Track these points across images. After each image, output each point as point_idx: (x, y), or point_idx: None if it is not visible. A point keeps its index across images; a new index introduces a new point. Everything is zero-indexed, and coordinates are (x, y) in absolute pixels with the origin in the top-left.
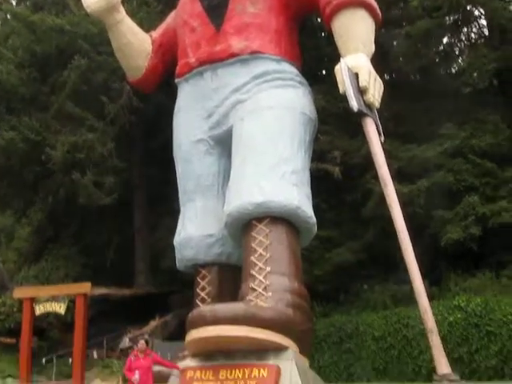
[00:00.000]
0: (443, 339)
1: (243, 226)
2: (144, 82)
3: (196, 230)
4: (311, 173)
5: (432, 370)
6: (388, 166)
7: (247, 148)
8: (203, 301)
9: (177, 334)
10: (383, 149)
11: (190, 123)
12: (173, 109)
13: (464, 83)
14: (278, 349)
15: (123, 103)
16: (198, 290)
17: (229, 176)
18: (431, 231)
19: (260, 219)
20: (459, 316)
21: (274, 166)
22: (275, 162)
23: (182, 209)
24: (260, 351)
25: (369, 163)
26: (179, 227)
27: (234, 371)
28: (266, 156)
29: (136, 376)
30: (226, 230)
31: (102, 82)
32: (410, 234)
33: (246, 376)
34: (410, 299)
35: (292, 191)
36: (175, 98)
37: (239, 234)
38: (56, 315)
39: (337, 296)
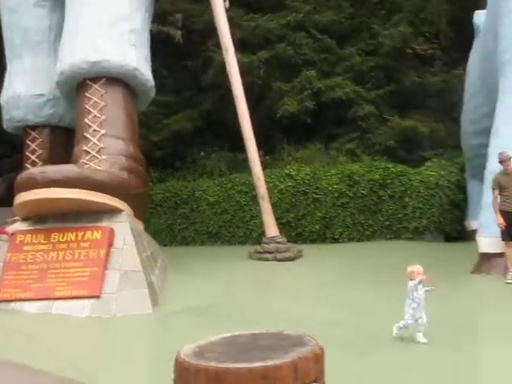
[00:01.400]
0: (273, 205)
1: (77, 85)
2: None
3: (25, 88)
4: (151, 35)
5: (261, 234)
6: (231, 33)
7: (82, 2)
8: (34, 164)
9: (6, 199)
10: (227, 16)
11: None
12: None
13: None
14: (112, 211)
15: None
16: (27, 153)
17: (61, 32)
18: (268, 102)
19: (95, 79)
20: (289, 184)
21: (112, 23)
22: (113, 19)
23: (8, 65)
24: (93, 214)
25: (211, 29)
26: (6, 85)
27: (66, 234)
28: (103, 12)
29: None
30: (59, 89)
31: None
32: (248, 104)
33: (79, 238)
34: (245, 167)
35: (130, 51)
36: None
37: (73, 94)
38: None
39: (173, 162)
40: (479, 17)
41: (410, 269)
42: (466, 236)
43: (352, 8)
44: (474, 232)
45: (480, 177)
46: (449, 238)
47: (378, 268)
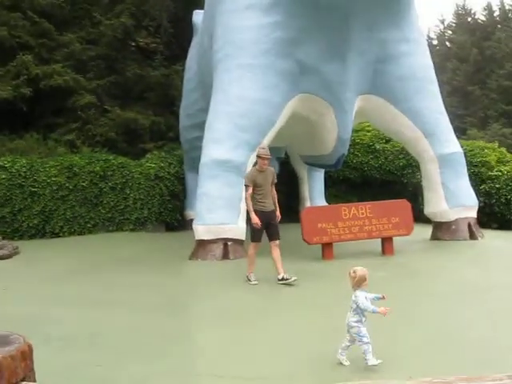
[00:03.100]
0: None
1: None
2: None
3: None
4: None
5: None
6: None
7: None
8: None
9: None
10: None
11: None
12: None
13: None
14: None
15: None
16: None
17: None
18: None
19: None
20: (4, 177)
21: None
22: None
23: None
24: None
25: None
26: None
27: None
28: None
29: None
30: None
31: None
32: None
33: None
34: None
35: None
36: None
37: None
38: None
39: None
40: (198, 16)
41: (359, 272)
42: (185, 225)
43: None
44: (191, 221)
45: (197, 169)
46: (170, 228)
47: (100, 260)
